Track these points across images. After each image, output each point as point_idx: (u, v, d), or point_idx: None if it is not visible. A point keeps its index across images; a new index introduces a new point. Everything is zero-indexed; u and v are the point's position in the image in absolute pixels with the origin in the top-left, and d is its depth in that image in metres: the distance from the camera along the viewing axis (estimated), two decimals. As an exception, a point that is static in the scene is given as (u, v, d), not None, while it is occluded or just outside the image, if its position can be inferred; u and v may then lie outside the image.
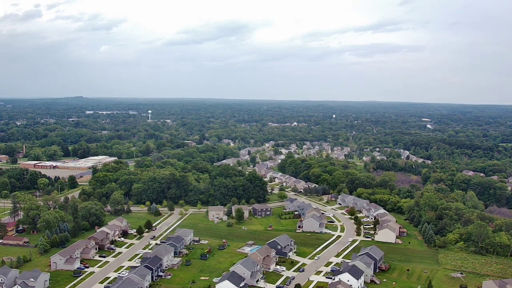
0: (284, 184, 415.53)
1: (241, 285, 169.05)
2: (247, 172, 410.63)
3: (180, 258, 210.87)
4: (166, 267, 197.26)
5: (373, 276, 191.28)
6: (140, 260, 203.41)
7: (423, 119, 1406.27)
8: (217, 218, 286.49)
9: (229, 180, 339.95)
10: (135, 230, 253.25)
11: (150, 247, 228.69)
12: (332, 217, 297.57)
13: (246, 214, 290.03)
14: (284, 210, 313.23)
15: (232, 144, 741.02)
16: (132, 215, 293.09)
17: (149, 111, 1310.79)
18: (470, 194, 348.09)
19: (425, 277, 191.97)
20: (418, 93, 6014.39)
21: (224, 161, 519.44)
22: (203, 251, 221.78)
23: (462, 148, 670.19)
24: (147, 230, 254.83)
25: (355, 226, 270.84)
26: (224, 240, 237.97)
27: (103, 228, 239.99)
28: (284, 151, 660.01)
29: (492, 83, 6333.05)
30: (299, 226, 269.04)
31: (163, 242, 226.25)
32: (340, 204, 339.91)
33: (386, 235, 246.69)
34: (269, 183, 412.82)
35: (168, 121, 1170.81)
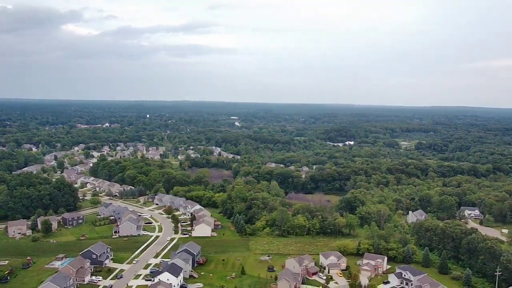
0: (98, 188, 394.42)
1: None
2: (54, 179, 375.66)
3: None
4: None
5: (191, 271, 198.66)
6: None
7: (231, 117, 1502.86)
8: (19, 233, 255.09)
9: (33, 190, 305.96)
10: None
11: None
12: (149, 218, 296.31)
13: (54, 225, 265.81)
14: (99, 216, 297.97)
15: (35, 150, 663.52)
16: None
17: None
18: (273, 183, 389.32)
19: (239, 264, 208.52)
20: (229, 93, 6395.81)
21: (25, 168, 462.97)
22: (3, 273, 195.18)
23: (265, 143, 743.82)
24: None
25: (173, 224, 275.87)
26: (28, 258, 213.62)
27: None
28: (96, 154, 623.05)
29: (293, 84, 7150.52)
30: (115, 231, 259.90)
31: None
32: (157, 204, 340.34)
33: (203, 229, 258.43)
34: (81, 189, 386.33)
35: None
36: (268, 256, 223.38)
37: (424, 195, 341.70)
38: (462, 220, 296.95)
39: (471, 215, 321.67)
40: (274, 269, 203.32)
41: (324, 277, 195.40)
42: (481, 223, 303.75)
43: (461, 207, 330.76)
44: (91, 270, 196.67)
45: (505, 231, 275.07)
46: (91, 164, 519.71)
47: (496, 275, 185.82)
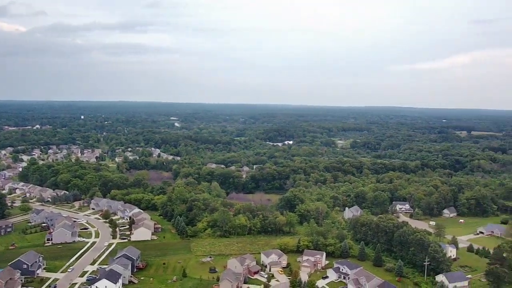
0: (28, 194, 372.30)
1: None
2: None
3: None
4: None
5: (131, 276, 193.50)
6: None
7: (171, 117, 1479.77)
8: None
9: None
10: None
11: None
12: (85, 224, 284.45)
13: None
14: (29, 224, 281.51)
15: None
16: None
17: None
18: (214, 184, 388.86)
19: (180, 267, 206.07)
20: (168, 93, 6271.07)
21: None
22: None
23: (206, 144, 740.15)
24: None
25: (111, 229, 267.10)
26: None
27: None
28: (25, 157, 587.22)
29: (233, 84, 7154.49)
30: (48, 239, 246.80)
31: None
32: (93, 208, 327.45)
33: (142, 233, 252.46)
34: (9, 196, 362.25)
35: None
36: (210, 257, 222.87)
37: (359, 192, 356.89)
38: (394, 215, 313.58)
39: (402, 209, 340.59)
40: (216, 270, 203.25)
41: (266, 276, 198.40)
42: (411, 217, 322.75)
43: (393, 202, 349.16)
44: (21, 281, 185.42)
45: (432, 223, 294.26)
46: (20, 169, 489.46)
47: (425, 264, 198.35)
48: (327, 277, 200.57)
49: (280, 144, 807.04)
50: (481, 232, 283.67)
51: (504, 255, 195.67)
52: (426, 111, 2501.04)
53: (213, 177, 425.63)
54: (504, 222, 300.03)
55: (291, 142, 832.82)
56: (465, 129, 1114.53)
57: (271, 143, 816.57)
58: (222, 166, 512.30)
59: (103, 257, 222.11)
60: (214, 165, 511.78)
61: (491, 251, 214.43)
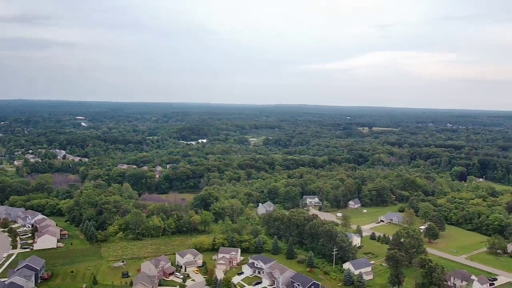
0: None
1: None
2: None
3: None
4: None
5: None
6: None
7: (77, 117, 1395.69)
8: None
9: None
10: None
11: None
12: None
13: None
14: None
15: None
16: None
17: None
18: (125, 185, 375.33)
19: (90, 274, 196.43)
20: (75, 91, 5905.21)
21: None
22: None
23: (116, 144, 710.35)
24: None
25: (10, 239, 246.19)
26: None
27: None
28: None
29: (145, 82, 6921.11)
30: None
31: None
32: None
33: (47, 241, 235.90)
34: None
35: None
36: (123, 261, 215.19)
37: (272, 188, 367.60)
38: (305, 208, 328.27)
39: (312, 202, 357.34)
40: (129, 274, 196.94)
41: (181, 276, 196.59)
42: (320, 209, 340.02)
43: (304, 196, 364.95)
44: None
45: (339, 214, 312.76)
46: None
47: (333, 254, 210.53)
48: (242, 273, 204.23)
49: (194, 142, 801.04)
50: (382, 221, 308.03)
51: (402, 240, 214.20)
52: (332, 108, 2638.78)
53: (124, 178, 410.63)
54: (401, 210, 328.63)
55: (205, 141, 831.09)
56: (367, 126, 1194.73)
57: (185, 142, 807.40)
58: (134, 166, 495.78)
59: (1, 269, 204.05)
60: (125, 166, 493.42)
61: (391, 237, 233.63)
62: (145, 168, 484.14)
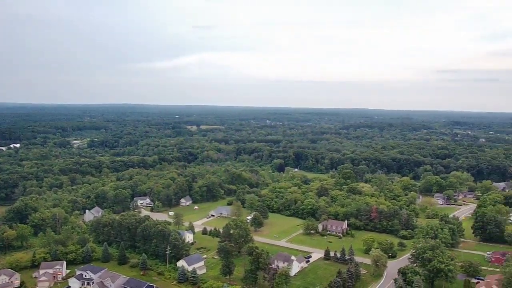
0: None
1: None
2: None
3: None
4: None
5: None
6: None
7: None
8: None
9: None
10: None
11: None
12: None
13: None
14: None
15: None
16: None
17: None
18: None
19: None
20: None
21: None
22: None
23: None
24: None
25: None
26: None
27: None
28: None
29: None
30: None
31: None
32: None
33: None
34: None
35: None
36: None
37: (100, 192, 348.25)
38: (136, 210, 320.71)
39: (143, 203, 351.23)
40: None
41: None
42: (152, 210, 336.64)
43: (134, 198, 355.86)
44: None
45: (171, 213, 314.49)
46: None
47: (166, 253, 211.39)
48: (69, 287, 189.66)
49: (4, 148, 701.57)
50: (212, 215, 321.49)
51: (231, 231, 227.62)
52: (160, 108, 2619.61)
53: None
54: (230, 204, 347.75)
55: (18, 145, 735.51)
56: (195, 124, 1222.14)
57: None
58: None
59: None
60: None
61: (221, 230, 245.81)
62: None
